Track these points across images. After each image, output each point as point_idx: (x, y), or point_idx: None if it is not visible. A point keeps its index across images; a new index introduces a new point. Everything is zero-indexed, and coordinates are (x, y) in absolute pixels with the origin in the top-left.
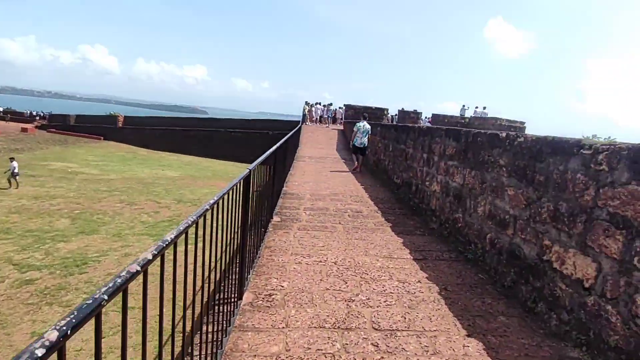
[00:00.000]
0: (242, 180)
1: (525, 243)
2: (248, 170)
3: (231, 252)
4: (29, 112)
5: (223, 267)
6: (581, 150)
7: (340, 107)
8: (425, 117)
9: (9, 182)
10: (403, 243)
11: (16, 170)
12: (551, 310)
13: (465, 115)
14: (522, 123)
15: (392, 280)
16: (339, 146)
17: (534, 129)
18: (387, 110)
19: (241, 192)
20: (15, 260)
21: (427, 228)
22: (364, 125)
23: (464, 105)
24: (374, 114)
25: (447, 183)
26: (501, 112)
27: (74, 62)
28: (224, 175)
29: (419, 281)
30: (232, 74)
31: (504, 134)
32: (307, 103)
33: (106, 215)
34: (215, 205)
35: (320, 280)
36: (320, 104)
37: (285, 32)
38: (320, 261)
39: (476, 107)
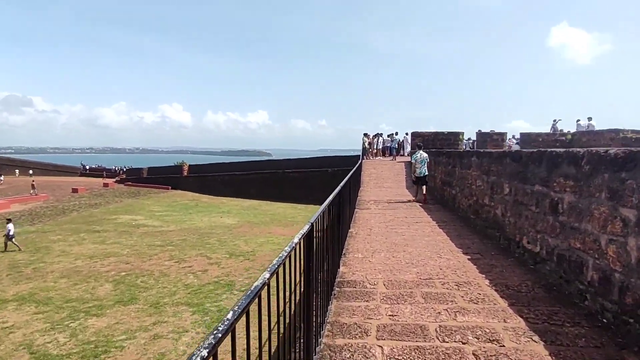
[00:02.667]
0: None
1: None
2: None
3: None
4: (115, 167)
5: None
6: None
7: (405, 135)
8: (511, 138)
9: (5, 245)
10: None
11: (11, 233)
12: None
13: (563, 131)
14: None
15: None
16: (410, 183)
17: None
18: (462, 134)
19: None
20: (35, 346)
21: None
22: (421, 154)
23: (555, 120)
24: (447, 140)
25: None
26: (600, 122)
27: (155, 120)
28: (282, 219)
29: None
30: (291, 116)
31: None
32: (366, 135)
33: (151, 277)
34: None
35: None
36: (381, 135)
37: (339, 70)
38: None
39: (578, 120)
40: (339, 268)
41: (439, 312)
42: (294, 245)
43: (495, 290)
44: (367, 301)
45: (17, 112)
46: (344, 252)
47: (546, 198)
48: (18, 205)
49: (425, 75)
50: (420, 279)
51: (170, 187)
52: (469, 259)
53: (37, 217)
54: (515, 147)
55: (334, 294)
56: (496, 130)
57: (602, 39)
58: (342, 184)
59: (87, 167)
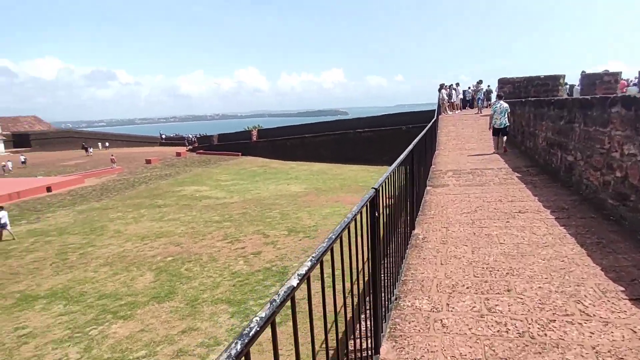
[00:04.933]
0: None
1: None
2: None
3: None
4: (190, 135)
5: None
6: None
7: (488, 87)
8: (629, 79)
9: (11, 233)
10: None
11: (3, 221)
12: None
13: None
14: None
15: None
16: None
17: None
18: (563, 77)
19: None
20: None
21: None
22: (501, 104)
23: None
24: (544, 86)
25: None
26: None
27: (232, 86)
28: (352, 184)
29: None
30: (366, 72)
31: None
32: (442, 87)
33: (198, 263)
34: None
35: None
36: (458, 85)
37: (414, 22)
38: None
39: None
40: (378, 353)
41: None
42: None
43: None
44: None
45: (103, 86)
46: (397, 291)
47: None
48: (93, 179)
49: (504, 22)
50: None
51: (240, 154)
52: None
53: (106, 192)
54: (633, 90)
55: None
56: (609, 70)
57: None
58: (400, 158)
59: (164, 137)
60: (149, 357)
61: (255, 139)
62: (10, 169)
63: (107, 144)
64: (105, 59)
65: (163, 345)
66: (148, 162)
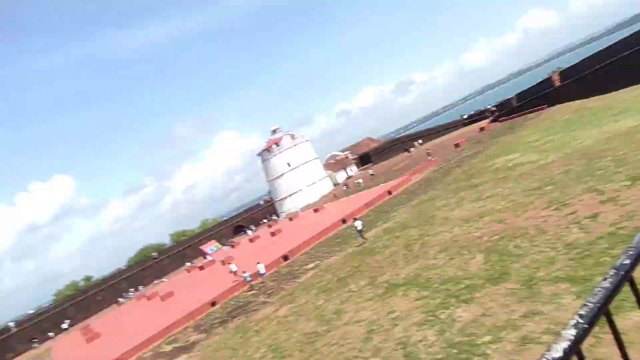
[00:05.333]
0: None
1: None
2: None
3: None
4: (487, 107)
5: None
6: None
7: None
8: None
9: (363, 238)
10: None
11: (359, 228)
12: None
13: None
14: None
15: None
16: None
17: None
18: None
19: None
20: (410, 346)
21: None
22: None
23: None
24: None
25: None
26: None
27: (518, 37)
28: None
29: None
30: None
31: None
32: None
33: (525, 238)
34: None
35: None
36: None
37: None
38: None
39: None
40: None
41: None
42: None
43: None
44: None
45: (406, 92)
46: None
47: None
48: (417, 176)
49: None
50: None
51: (546, 105)
52: None
53: (429, 184)
54: None
55: None
56: None
57: None
58: None
59: (465, 117)
60: (494, 343)
61: (558, 83)
62: (362, 183)
63: (420, 141)
64: (405, 69)
65: (506, 330)
66: (456, 145)
